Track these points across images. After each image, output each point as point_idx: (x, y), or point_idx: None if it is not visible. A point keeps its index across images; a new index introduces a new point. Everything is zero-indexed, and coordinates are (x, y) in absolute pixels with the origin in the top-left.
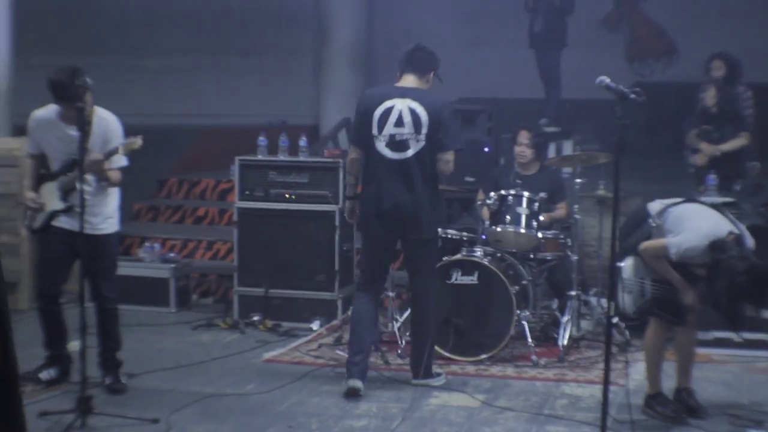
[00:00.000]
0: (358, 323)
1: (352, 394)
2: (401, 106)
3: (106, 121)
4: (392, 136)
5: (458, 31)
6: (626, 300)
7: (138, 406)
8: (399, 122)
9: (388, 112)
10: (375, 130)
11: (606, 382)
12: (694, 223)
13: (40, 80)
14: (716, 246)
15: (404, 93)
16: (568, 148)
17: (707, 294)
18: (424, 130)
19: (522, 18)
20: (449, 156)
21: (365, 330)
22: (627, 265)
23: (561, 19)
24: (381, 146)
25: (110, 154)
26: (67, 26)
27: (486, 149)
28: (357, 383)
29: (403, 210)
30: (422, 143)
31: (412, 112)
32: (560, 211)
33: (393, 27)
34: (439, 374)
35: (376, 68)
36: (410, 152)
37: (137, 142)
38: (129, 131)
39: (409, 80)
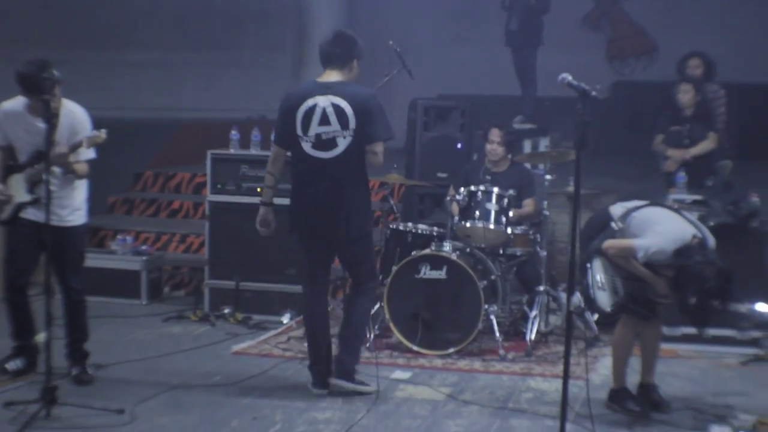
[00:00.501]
0: (311, 324)
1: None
2: (324, 103)
3: (73, 114)
4: (318, 136)
5: (440, 28)
6: (601, 298)
7: (104, 396)
8: (324, 120)
9: (311, 111)
10: (299, 131)
11: (566, 375)
12: (661, 228)
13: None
14: (682, 251)
15: (326, 89)
16: (544, 145)
17: (675, 298)
18: (351, 125)
19: (503, 16)
20: (378, 147)
21: (319, 330)
22: (597, 264)
23: (537, 17)
24: (308, 147)
25: (75, 147)
26: (49, 19)
27: (459, 146)
28: (322, 392)
29: (333, 210)
30: (350, 139)
31: (336, 108)
32: (528, 208)
33: (374, 24)
34: (363, 382)
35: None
36: (338, 150)
37: (101, 135)
38: (109, 124)
39: (331, 75)
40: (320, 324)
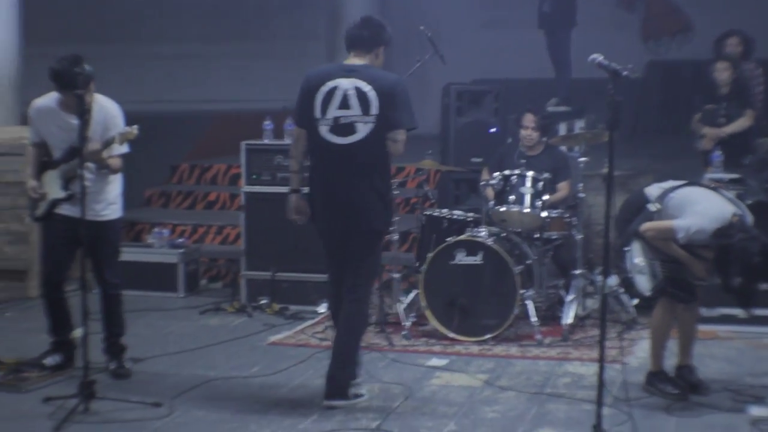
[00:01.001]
0: (337, 325)
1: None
2: (346, 85)
3: (106, 109)
4: (336, 119)
5: (472, 12)
6: (641, 282)
7: (142, 390)
8: (344, 104)
9: (331, 93)
10: (317, 113)
11: (602, 359)
12: (700, 207)
13: None
14: (724, 229)
15: (349, 71)
16: (579, 127)
17: (720, 278)
18: (374, 111)
19: None
20: (400, 135)
21: (337, 334)
22: (635, 247)
23: None
24: (324, 131)
25: (107, 143)
26: (81, 15)
27: (493, 130)
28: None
29: (350, 200)
30: (371, 125)
31: (359, 92)
32: (562, 191)
33: (406, 9)
34: (358, 394)
35: (390, 51)
36: (358, 136)
37: (133, 131)
38: (144, 118)
39: (356, 59)
40: (340, 330)
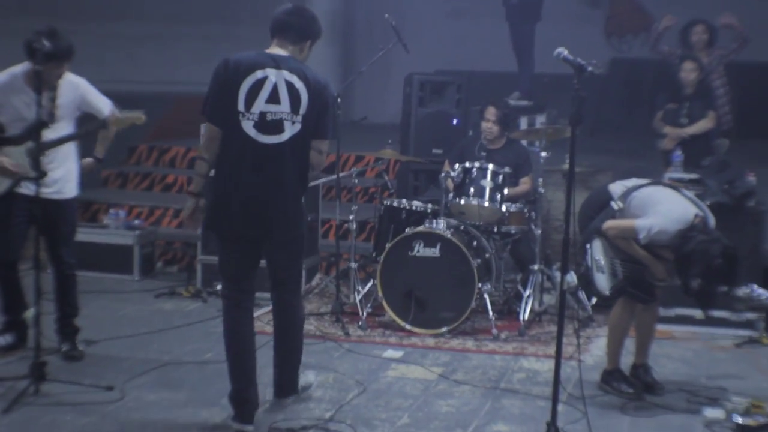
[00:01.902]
0: (235, 343)
1: None
2: (276, 78)
3: (76, 85)
4: (263, 115)
5: (438, 2)
6: (600, 280)
7: (94, 373)
8: (273, 98)
9: (259, 84)
10: (241, 106)
11: (558, 356)
12: (663, 207)
13: (14, 44)
14: (686, 231)
15: (279, 62)
16: (540, 122)
17: (680, 279)
18: (302, 111)
19: None
20: (325, 146)
21: (247, 350)
22: (596, 245)
23: None
24: (248, 126)
25: (96, 127)
26: None
27: (454, 121)
28: (249, 429)
29: (270, 205)
30: (298, 126)
31: (290, 87)
32: (524, 186)
33: None
34: (305, 387)
35: (353, 40)
36: (284, 136)
37: (140, 117)
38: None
39: (281, 49)
40: (247, 345)
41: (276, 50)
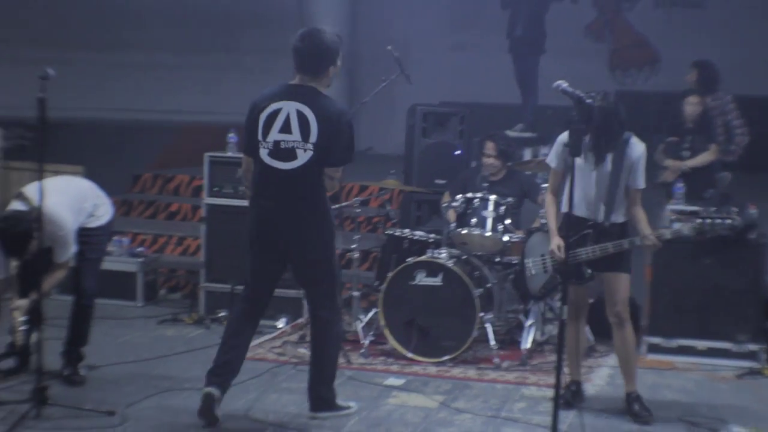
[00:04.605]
0: (232, 336)
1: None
2: (289, 108)
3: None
4: (277, 143)
5: (443, 35)
6: (531, 282)
7: (96, 398)
8: (285, 127)
9: (273, 115)
10: (260, 135)
11: (557, 385)
12: None
13: (24, 74)
14: None
15: (294, 93)
16: (543, 153)
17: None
18: (312, 139)
19: (505, 24)
20: (338, 173)
21: (239, 345)
22: (528, 246)
23: (540, 23)
24: (264, 154)
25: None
26: (52, 21)
27: (457, 152)
28: (214, 390)
29: (284, 229)
30: (310, 153)
31: (300, 116)
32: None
33: (376, 29)
34: (344, 407)
35: (359, 71)
36: (297, 162)
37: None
38: (110, 126)
39: (302, 79)
40: (240, 351)
41: (296, 81)
